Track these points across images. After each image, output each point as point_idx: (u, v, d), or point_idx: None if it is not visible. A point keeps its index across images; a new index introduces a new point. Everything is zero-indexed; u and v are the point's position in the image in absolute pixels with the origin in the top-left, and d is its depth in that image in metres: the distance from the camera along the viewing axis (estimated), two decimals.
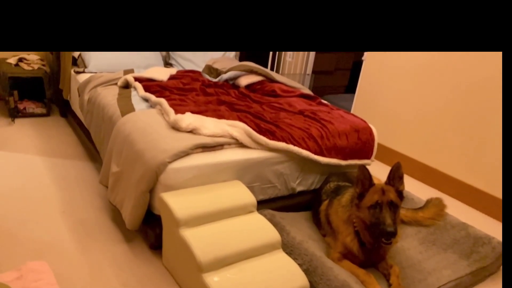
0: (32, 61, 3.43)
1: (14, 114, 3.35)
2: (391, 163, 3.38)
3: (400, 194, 1.79)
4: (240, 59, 4.00)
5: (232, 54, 3.84)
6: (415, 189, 3.02)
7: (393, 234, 1.66)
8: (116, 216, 2.24)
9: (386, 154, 3.44)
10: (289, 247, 1.88)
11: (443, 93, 3.00)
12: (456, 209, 2.81)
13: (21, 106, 3.43)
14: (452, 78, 2.94)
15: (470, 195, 2.88)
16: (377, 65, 3.49)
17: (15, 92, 3.30)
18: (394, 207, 1.72)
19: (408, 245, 2.13)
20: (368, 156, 2.51)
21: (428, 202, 2.37)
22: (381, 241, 1.72)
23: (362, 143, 2.45)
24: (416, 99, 3.20)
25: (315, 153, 2.23)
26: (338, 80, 5.48)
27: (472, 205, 2.87)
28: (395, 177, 1.80)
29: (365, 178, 1.79)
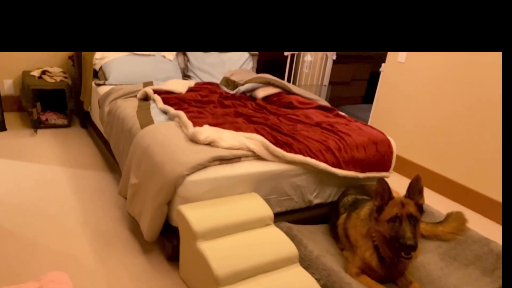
0: (55, 73, 3.52)
1: (37, 125, 3.43)
2: (409, 175, 3.34)
3: (420, 207, 1.76)
4: (257, 71, 4.03)
5: (249, 66, 3.87)
6: (435, 202, 2.96)
7: (413, 247, 1.63)
8: (134, 227, 2.27)
9: (404, 166, 3.39)
10: (306, 261, 1.86)
11: (462, 104, 2.96)
12: (478, 223, 2.74)
13: (43, 117, 3.52)
14: (472, 89, 2.89)
15: (492, 209, 2.81)
16: (395, 76, 3.46)
17: (38, 104, 3.39)
18: (414, 220, 1.70)
19: (428, 260, 2.09)
20: (386, 169, 2.48)
21: (449, 216, 2.32)
22: (401, 255, 1.69)
23: (380, 156, 2.43)
24: (434, 110, 3.16)
25: (333, 166, 2.22)
26: (355, 91, 5.46)
27: (494, 219, 2.80)
28: (414, 191, 1.77)
29: (384, 191, 1.77)
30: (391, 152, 2.49)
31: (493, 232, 2.65)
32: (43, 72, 3.51)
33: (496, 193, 2.79)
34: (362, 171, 2.36)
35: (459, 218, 2.29)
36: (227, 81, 3.29)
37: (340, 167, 2.25)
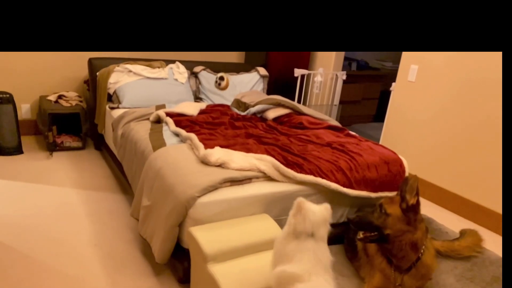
0: (71, 98, 3.61)
1: (52, 148, 3.51)
2: (423, 194, 3.29)
3: (412, 208, 1.71)
4: (268, 93, 4.08)
5: (260, 87, 3.92)
6: (449, 222, 2.91)
7: (349, 219, 1.84)
8: (145, 249, 2.28)
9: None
10: None
11: (474, 122, 2.93)
12: (495, 243, 2.68)
13: (58, 140, 3.59)
14: (484, 107, 2.87)
15: None
16: (405, 95, 3.46)
17: (54, 127, 3.47)
18: (380, 208, 1.77)
19: (444, 282, 2.04)
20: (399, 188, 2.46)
21: (463, 233, 2.29)
22: None
23: (392, 175, 2.41)
24: (446, 129, 3.14)
25: (344, 186, 2.21)
26: (366, 109, 5.47)
27: None
28: (408, 190, 1.72)
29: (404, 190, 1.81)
30: (403, 172, 2.47)
31: None
32: (59, 97, 3.61)
33: None
34: (374, 191, 2.35)
35: (474, 235, 2.25)
36: (238, 103, 3.33)
37: (352, 187, 2.24)
